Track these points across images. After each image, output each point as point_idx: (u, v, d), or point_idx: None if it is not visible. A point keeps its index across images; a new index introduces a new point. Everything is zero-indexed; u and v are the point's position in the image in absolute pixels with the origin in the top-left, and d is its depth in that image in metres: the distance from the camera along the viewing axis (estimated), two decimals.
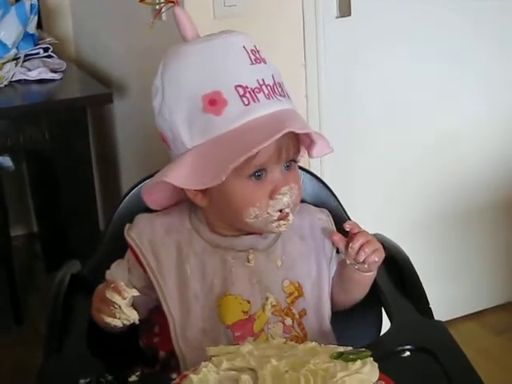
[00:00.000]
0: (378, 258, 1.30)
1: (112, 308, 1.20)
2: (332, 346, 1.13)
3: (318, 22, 2.23)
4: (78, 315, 1.34)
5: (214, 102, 1.22)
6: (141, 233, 1.33)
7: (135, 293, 1.21)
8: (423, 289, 1.37)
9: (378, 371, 1.04)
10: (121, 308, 1.20)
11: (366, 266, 1.30)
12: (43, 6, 2.94)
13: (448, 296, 2.57)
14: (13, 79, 2.50)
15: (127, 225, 1.35)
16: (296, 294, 1.33)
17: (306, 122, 1.30)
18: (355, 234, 1.31)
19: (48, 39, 2.71)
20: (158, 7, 1.36)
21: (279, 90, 1.28)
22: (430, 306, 1.34)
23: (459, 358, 1.17)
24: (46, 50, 2.66)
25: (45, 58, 2.64)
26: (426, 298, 1.36)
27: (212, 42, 1.27)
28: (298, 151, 1.30)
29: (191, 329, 1.28)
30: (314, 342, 1.13)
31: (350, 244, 1.29)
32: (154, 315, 1.34)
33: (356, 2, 2.22)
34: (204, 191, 1.28)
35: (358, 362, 1.02)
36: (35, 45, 2.65)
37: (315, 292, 1.35)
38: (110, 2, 2.72)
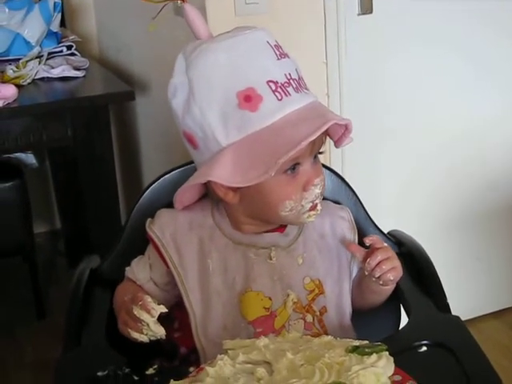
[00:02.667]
0: (394, 276, 1.29)
1: (139, 325, 1.20)
2: (348, 339, 1.13)
3: (339, 19, 2.22)
4: (97, 309, 1.35)
5: (248, 99, 1.21)
6: (163, 227, 1.33)
7: (163, 309, 1.21)
8: (441, 285, 1.37)
9: (393, 365, 1.04)
10: (149, 326, 1.20)
11: (380, 282, 1.30)
12: (67, 5, 2.97)
13: (469, 294, 2.57)
14: (36, 77, 2.51)
15: (148, 219, 1.35)
16: (317, 291, 1.33)
17: None
18: (376, 249, 1.30)
19: (71, 37, 2.73)
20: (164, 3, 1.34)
21: (303, 83, 1.28)
22: (449, 302, 1.33)
23: (477, 354, 1.17)
24: (69, 47, 2.68)
25: (68, 55, 2.66)
26: (444, 294, 1.36)
27: (236, 39, 1.26)
28: (324, 143, 1.31)
29: (212, 324, 1.28)
30: (329, 336, 1.13)
31: (368, 259, 1.29)
32: (174, 311, 1.34)
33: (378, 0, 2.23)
34: (235, 189, 1.27)
35: (374, 356, 1.02)
36: (58, 43, 2.68)
37: (336, 290, 1.36)
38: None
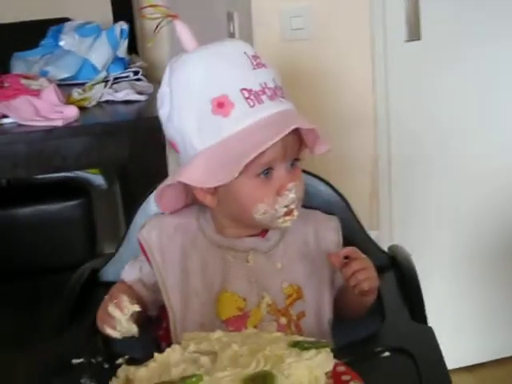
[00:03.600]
0: (368, 286, 1.31)
1: (113, 321, 1.27)
2: (296, 336, 1.15)
3: (386, 45, 2.25)
4: (91, 307, 1.40)
5: (221, 105, 1.28)
6: (150, 230, 1.39)
7: (136, 308, 1.27)
8: (422, 297, 1.38)
9: (332, 362, 1.05)
10: (121, 323, 1.26)
11: (356, 291, 1.31)
12: (140, 31, 3.08)
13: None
14: (101, 100, 2.62)
15: (141, 225, 1.42)
16: (295, 296, 1.36)
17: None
18: (353, 259, 1.32)
19: (138, 63, 2.83)
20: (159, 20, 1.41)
21: (280, 92, 1.33)
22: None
23: (436, 362, 1.17)
24: (135, 73, 2.78)
25: (134, 80, 2.76)
26: (423, 303, 1.37)
27: (215, 49, 1.33)
28: (300, 149, 1.35)
29: (190, 323, 1.32)
30: (279, 333, 1.15)
31: (344, 269, 1.31)
32: (163, 312, 1.38)
33: (426, 26, 2.23)
34: (213, 192, 1.34)
35: (312, 351, 1.04)
36: (125, 68, 2.78)
37: (315, 296, 1.38)
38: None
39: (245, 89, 1.29)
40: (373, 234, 2.04)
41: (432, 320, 1.36)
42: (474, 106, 2.33)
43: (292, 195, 1.30)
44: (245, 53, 1.32)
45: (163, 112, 1.36)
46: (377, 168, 2.34)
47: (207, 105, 1.28)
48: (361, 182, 2.35)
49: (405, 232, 2.38)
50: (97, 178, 3.01)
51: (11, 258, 2.81)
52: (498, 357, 2.58)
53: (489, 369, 2.56)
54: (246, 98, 1.28)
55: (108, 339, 1.30)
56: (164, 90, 1.35)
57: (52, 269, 2.78)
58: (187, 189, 1.37)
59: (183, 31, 1.37)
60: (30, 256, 2.79)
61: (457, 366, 2.47)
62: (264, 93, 1.30)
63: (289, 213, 1.31)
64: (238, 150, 1.26)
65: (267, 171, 1.30)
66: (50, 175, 2.86)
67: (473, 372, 2.54)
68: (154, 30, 1.37)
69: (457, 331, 2.47)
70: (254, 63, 1.32)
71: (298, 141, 1.33)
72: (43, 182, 2.90)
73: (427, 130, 2.33)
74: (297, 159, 1.34)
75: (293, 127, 1.27)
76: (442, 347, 1.21)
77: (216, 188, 1.32)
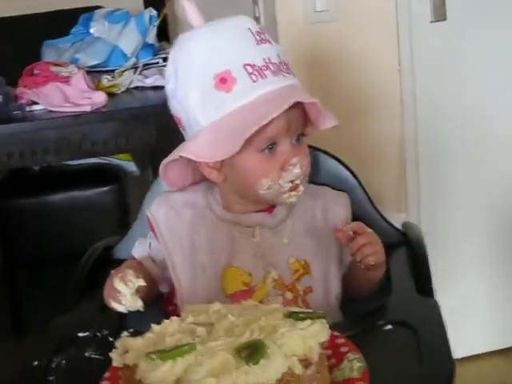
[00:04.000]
0: (374, 261, 1.30)
1: (118, 295, 1.28)
2: (294, 307, 1.15)
3: (412, 26, 2.24)
4: (103, 283, 1.41)
5: (224, 80, 1.28)
6: (158, 206, 1.41)
7: (141, 283, 1.28)
8: (429, 271, 1.37)
9: (328, 332, 1.04)
10: (126, 297, 1.27)
11: (362, 266, 1.31)
12: (172, 18, 3.09)
13: None
14: (130, 86, 2.64)
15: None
16: (302, 271, 1.36)
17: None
18: (359, 234, 1.31)
19: (168, 49, 2.84)
20: None
21: (285, 67, 1.33)
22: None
23: (437, 334, 1.15)
24: (165, 59, 2.78)
25: (163, 67, 2.77)
26: (430, 278, 1.36)
27: (219, 26, 1.34)
28: (305, 125, 1.34)
29: (196, 298, 1.33)
30: (277, 305, 1.15)
31: (350, 244, 1.31)
32: (173, 288, 1.39)
33: (451, 7, 2.21)
34: (219, 168, 1.34)
35: (307, 322, 1.03)
36: (155, 55, 2.79)
37: (323, 272, 1.38)
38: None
39: (248, 64, 1.29)
40: (401, 217, 2.04)
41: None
42: (501, 86, 2.30)
43: (297, 170, 1.30)
44: (249, 28, 1.32)
45: (169, 88, 1.37)
46: (404, 150, 2.32)
47: (210, 80, 1.29)
48: (388, 165, 2.33)
49: (431, 215, 2.35)
50: (129, 165, 3.02)
51: (44, 245, 2.83)
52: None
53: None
54: (250, 74, 1.28)
55: (119, 314, 1.31)
56: (170, 67, 1.36)
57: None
58: (194, 165, 1.38)
59: (190, 9, 1.38)
60: (63, 243, 2.81)
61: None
62: (268, 68, 1.30)
63: (294, 188, 1.31)
64: (239, 124, 1.26)
65: (271, 146, 1.30)
66: (82, 162, 2.89)
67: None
68: None
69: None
70: (258, 39, 1.32)
71: (302, 116, 1.32)
72: (76, 169, 2.93)
73: (454, 111, 2.32)
74: (303, 134, 1.33)
75: (293, 101, 1.26)
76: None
77: (222, 164, 1.32)
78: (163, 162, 1.39)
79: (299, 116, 1.31)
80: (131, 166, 3.03)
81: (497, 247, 2.45)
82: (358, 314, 1.27)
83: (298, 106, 1.29)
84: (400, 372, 1.08)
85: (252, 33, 1.32)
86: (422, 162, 2.33)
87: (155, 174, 3.20)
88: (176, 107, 1.36)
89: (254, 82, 1.28)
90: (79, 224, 2.82)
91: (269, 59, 1.30)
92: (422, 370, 1.07)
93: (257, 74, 1.28)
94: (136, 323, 1.30)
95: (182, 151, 1.32)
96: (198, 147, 1.30)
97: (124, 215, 2.90)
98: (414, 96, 2.28)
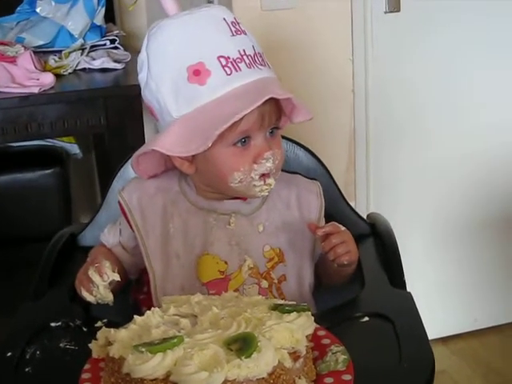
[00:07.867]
0: (348, 260, 1.31)
1: (91, 285, 1.27)
2: (276, 300, 1.15)
3: (366, 16, 2.25)
4: (70, 271, 1.39)
5: (197, 73, 1.26)
6: (131, 192, 1.38)
7: (116, 277, 1.27)
8: (401, 263, 1.38)
9: (313, 325, 1.05)
10: (98, 288, 1.26)
11: (335, 265, 1.32)
12: (119, 1, 3.04)
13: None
14: (77, 67, 2.59)
15: (122, 186, 1.41)
16: (276, 259, 1.36)
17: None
18: (332, 233, 1.31)
19: (115, 32, 2.80)
20: None
21: (260, 59, 1.31)
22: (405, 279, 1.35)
23: (414, 326, 1.18)
24: (112, 41, 2.75)
25: (111, 49, 2.73)
26: (402, 269, 1.37)
27: (193, 15, 1.31)
28: (279, 118, 1.33)
29: (170, 285, 1.32)
30: (260, 296, 1.16)
31: (323, 244, 1.31)
32: (144, 275, 1.38)
33: None
34: (190, 159, 1.33)
35: (293, 314, 1.05)
36: (102, 36, 2.74)
37: (297, 260, 1.38)
38: None
39: (222, 56, 1.27)
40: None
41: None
42: (453, 79, 2.34)
43: (269, 164, 1.29)
44: (224, 19, 1.30)
45: (141, 77, 1.34)
46: (354, 140, 2.34)
47: (183, 72, 1.27)
48: (338, 154, 2.35)
49: (380, 203, 2.38)
50: (72, 147, 2.97)
51: None
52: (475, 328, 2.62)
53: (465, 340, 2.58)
54: (223, 66, 1.26)
55: (86, 303, 1.30)
56: (142, 55, 1.33)
57: (27, 238, 2.76)
58: (165, 155, 1.35)
59: None
60: (5, 225, 2.76)
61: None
62: (242, 60, 1.28)
63: (264, 180, 1.30)
64: (211, 119, 1.24)
65: (244, 140, 1.28)
66: (25, 144, 2.83)
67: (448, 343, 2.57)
68: None
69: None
70: (233, 29, 1.30)
71: (276, 109, 1.31)
72: (18, 151, 2.86)
73: (405, 102, 2.34)
74: (276, 127, 1.33)
75: (267, 97, 1.24)
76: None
77: (193, 156, 1.31)
78: (135, 154, 1.36)
79: (273, 110, 1.30)
80: (75, 149, 2.98)
81: (441, 235, 2.50)
82: (332, 306, 1.28)
83: (273, 99, 1.28)
84: (380, 363, 1.10)
85: (227, 23, 1.30)
86: (372, 152, 2.36)
87: (98, 157, 3.19)
88: (148, 97, 1.33)
89: (228, 75, 1.26)
90: (21, 206, 2.77)
91: (244, 51, 1.29)
92: (402, 362, 1.09)
93: (231, 66, 1.27)
94: (102, 312, 1.29)
95: (155, 145, 1.29)
96: (168, 141, 1.27)
97: (67, 198, 2.86)
98: (365, 86, 2.30)
